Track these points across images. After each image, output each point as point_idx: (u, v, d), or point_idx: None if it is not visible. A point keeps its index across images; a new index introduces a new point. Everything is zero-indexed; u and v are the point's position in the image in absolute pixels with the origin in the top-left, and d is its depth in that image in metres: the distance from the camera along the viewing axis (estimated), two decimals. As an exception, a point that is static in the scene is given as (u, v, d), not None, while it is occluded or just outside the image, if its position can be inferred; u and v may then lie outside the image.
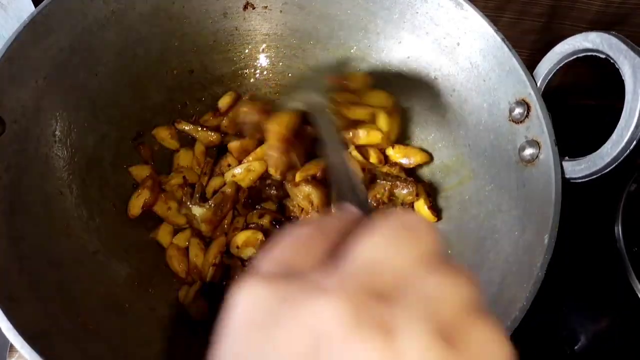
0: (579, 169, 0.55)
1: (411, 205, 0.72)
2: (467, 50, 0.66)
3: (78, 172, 0.67)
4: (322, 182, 0.69)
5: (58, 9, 0.61)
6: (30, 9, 0.81)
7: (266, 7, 0.78)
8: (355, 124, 0.70)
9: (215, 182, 0.75)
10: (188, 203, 0.71)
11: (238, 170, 0.74)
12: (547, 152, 0.55)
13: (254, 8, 0.78)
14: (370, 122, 0.70)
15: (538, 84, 0.60)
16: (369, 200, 0.70)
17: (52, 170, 0.63)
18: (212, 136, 0.79)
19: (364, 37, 0.77)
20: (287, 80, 0.84)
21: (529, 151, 0.57)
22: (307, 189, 0.69)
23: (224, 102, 0.81)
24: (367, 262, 0.25)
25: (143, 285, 0.67)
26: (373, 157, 0.73)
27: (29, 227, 0.57)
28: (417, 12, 0.70)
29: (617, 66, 0.52)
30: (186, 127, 0.79)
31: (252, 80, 0.84)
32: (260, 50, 0.82)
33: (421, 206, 0.70)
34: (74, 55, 0.65)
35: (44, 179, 0.62)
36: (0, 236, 0.53)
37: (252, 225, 0.72)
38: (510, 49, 0.60)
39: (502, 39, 0.61)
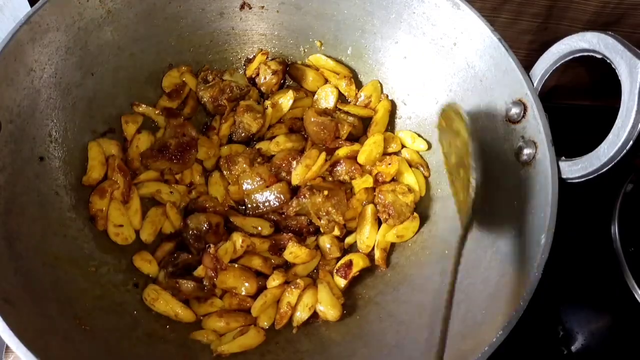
0: (575, 169, 0.55)
1: None
2: (463, 51, 0.66)
3: (74, 172, 0.66)
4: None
5: (54, 8, 0.61)
6: (26, 8, 0.80)
7: (263, 7, 0.78)
8: None
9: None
10: None
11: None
12: (544, 152, 0.55)
13: (250, 8, 0.78)
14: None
15: (535, 84, 0.60)
16: None
17: (48, 170, 0.63)
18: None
19: (361, 37, 0.77)
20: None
21: (525, 151, 0.57)
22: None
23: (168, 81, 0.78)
24: None
25: (140, 285, 0.67)
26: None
27: (25, 227, 0.57)
28: (414, 12, 0.70)
29: (613, 66, 0.52)
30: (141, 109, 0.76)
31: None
32: (257, 50, 0.82)
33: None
34: (70, 54, 0.65)
35: (40, 179, 0.62)
36: (-4, 237, 0.53)
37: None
38: (506, 49, 0.60)
39: (499, 39, 0.61)
